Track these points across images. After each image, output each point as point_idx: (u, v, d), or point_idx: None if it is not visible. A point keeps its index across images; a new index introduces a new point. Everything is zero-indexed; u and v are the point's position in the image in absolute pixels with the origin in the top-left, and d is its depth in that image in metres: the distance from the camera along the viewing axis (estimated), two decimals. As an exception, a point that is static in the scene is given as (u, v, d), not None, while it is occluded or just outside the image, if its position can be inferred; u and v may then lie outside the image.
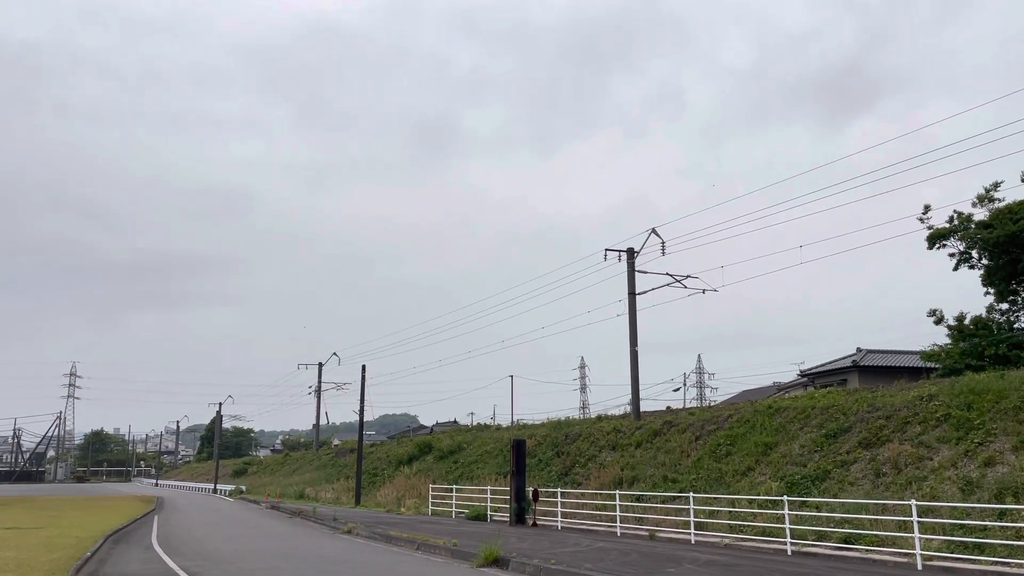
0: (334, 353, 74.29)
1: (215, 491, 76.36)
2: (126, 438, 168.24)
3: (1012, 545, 14.11)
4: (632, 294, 33.08)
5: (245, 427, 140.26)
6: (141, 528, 28.61)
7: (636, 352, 32.78)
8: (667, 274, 33.19)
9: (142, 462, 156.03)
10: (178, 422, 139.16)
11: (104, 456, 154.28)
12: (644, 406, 35.03)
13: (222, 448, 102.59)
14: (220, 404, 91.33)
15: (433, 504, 35.19)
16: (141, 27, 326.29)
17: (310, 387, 79.29)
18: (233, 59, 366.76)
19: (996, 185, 30.26)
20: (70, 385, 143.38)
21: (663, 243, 32.79)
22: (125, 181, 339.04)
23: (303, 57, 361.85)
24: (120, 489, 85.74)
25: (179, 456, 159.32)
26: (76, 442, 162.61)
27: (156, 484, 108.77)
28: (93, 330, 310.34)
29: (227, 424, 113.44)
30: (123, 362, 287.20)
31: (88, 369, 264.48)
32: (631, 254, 33.52)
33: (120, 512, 36.22)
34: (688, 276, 33.08)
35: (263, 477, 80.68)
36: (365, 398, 47.07)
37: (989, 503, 15.58)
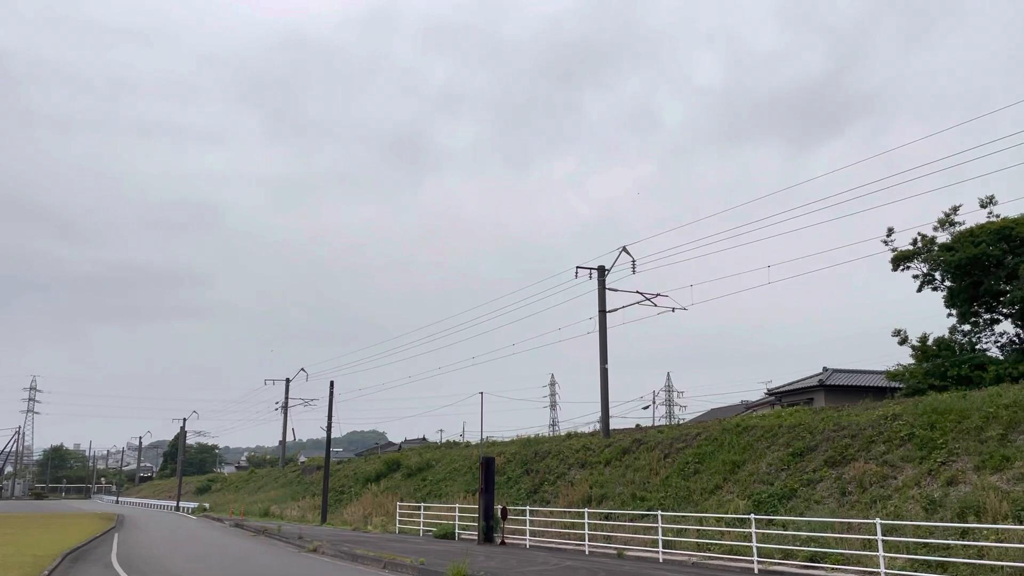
0: (302, 369, 73.62)
1: (178, 508, 75.01)
2: (86, 454, 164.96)
3: (974, 564, 14.29)
4: (602, 312, 33.22)
5: (210, 443, 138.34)
6: (101, 546, 27.99)
7: (606, 370, 32.87)
8: (637, 292, 33.43)
9: (102, 479, 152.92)
10: (140, 438, 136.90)
11: (64, 472, 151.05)
12: (613, 424, 35.09)
13: (186, 465, 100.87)
14: (184, 420, 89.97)
15: (401, 522, 34.89)
16: (109, 35, 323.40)
17: (277, 403, 78.52)
18: (203, 69, 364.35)
19: (955, 209, 30.93)
20: (30, 400, 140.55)
21: (633, 261, 33.06)
22: (90, 191, 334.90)
23: (274, 68, 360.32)
24: (79, 506, 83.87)
25: (141, 473, 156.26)
26: (35, 458, 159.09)
27: (117, 501, 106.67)
28: (54, 343, 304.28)
29: (191, 440, 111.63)
30: (85, 376, 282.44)
31: (48, 383, 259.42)
32: (602, 272, 33.69)
33: (79, 530, 35.40)
34: (658, 294, 33.34)
35: (227, 494, 79.47)
36: (333, 414, 46.67)
37: (952, 522, 15.80)
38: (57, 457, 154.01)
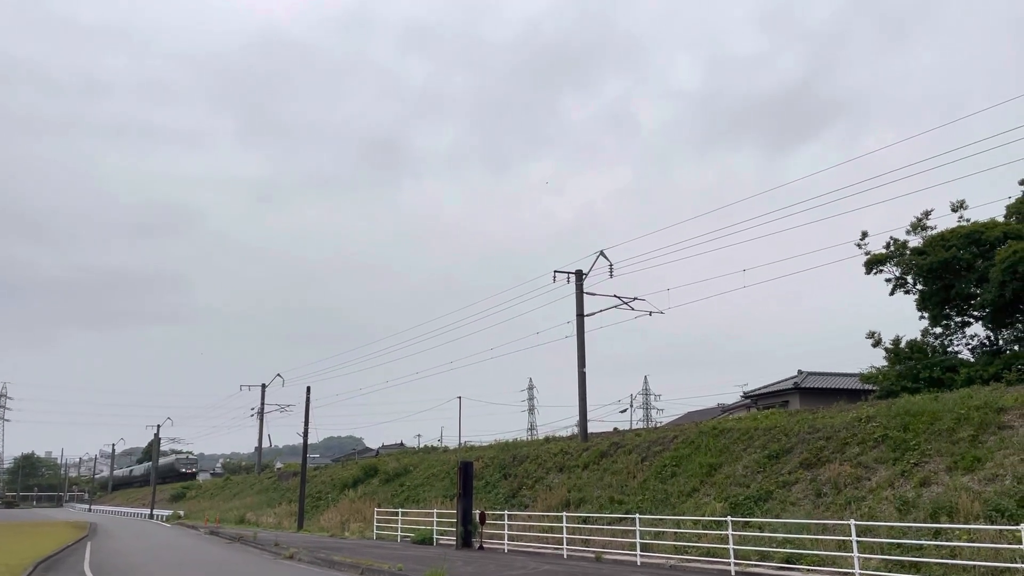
0: (278, 374, 73.04)
1: (152, 516, 74.12)
2: (58, 462, 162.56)
3: (947, 563, 14.47)
4: (580, 316, 33.32)
5: (184, 450, 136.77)
6: (73, 555, 27.59)
7: (584, 374, 32.96)
8: (615, 296, 33.59)
9: (75, 487, 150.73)
10: (113, 445, 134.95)
11: (35, 480, 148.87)
12: (591, 427, 35.19)
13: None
14: (158, 426, 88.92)
15: (378, 528, 34.70)
16: (80, 34, 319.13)
17: (253, 409, 77.88)
18: (178, 69, 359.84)
19: (927, 213, 31.39)
20: (0, 407, 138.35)
21: (611, 265, 33.22)
22: (61, 194, 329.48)
23: (251, 68, 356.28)
24: (51, 514, 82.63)
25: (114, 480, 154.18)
26: (5, 466, 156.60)
27: (89, 509, 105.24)
28: (25, 349, 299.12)
29: (165, 447, 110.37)
30: (56, 382, 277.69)
31: (19, 390, 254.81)
32: (579, 276, 33.80)
33: (51, 538, 34.87)
34: (635, 298, 33.52)
35: (202, 502, 78.64)
36: (309, 420, 46.39)
37: (925, 522, 15.99)
38: (28, 465, 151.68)
